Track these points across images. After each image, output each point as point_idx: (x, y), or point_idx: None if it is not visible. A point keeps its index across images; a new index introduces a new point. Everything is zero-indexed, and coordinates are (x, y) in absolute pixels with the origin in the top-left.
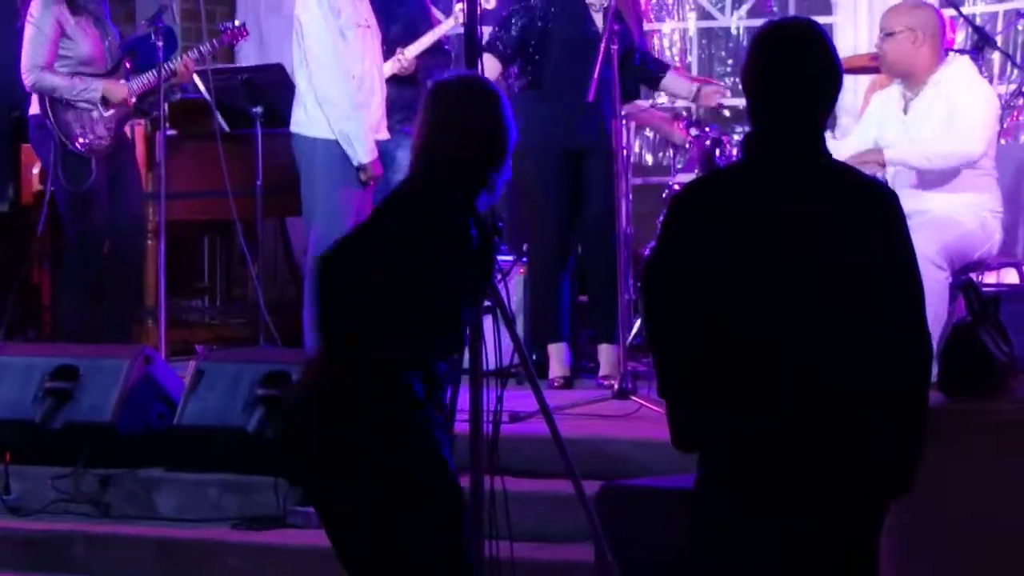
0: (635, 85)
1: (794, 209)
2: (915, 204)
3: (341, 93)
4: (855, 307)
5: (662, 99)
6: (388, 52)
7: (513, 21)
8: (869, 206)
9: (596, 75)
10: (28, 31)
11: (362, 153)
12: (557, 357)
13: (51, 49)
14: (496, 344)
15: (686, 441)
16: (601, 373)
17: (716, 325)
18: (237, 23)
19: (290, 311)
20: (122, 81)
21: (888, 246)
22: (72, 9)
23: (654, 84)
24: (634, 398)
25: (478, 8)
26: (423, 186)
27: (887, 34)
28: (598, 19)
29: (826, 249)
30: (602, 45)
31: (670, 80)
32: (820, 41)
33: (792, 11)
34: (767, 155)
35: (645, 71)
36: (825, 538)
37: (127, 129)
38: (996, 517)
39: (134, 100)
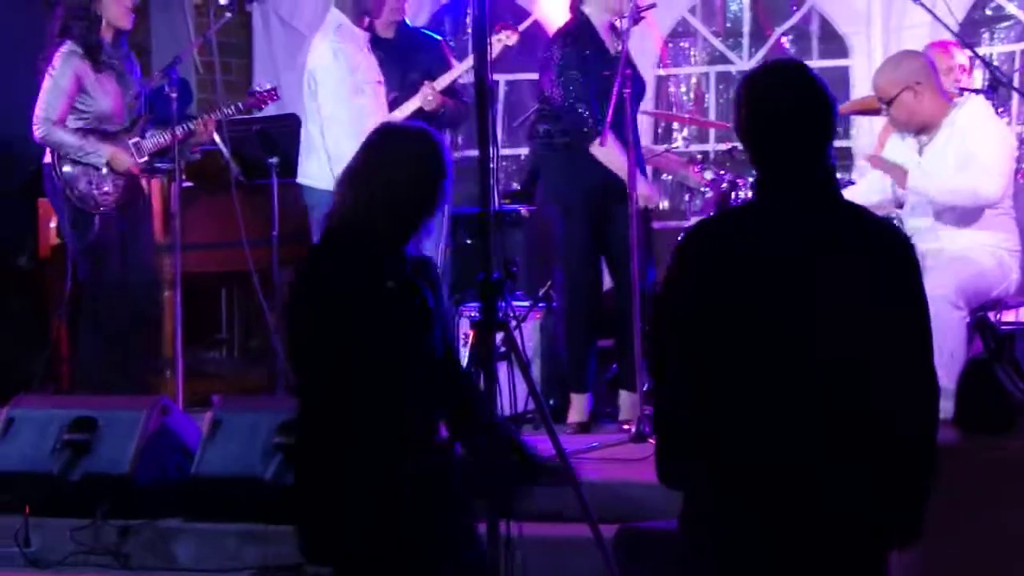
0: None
1: (808, 253)
2: (932, 243)
3: (352, 151)
4: (865, 350)
5: (677, 143)
6: (406, 98)
7: (572, 91)
8: (885, 250)
9: (609, 120)
10: (46, 82)
11: None
12: (578, 406)
13: (65, 103)
14: (511, 390)
15: (674, 476)
16: (621, 417)
17: (720, 367)
18: (268, 86)
19: None
20: (134, 140)
21: (901, 290)
22: (93, 65)
23: None
24: (651, 441)
25: (490, 51)
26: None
27: (887, 102)
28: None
29: (840, 293)
30: (615, 90)
31: None
32: (810, 78)
33: (811, 54)
34: (781, 197)
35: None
36: None
37: (144, 181)
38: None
39: (143, 163)
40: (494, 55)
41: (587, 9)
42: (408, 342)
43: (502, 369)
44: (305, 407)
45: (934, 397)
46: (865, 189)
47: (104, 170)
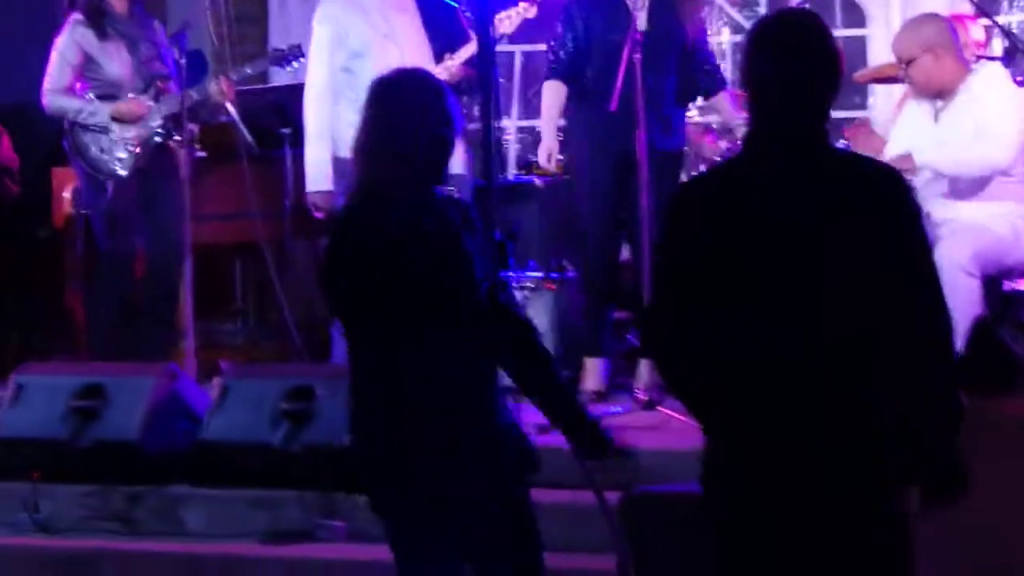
0: (693, 90)
1: (816, 219)
2: (946, 212)
3: (308, 119)
4: (873, 297)
5: (692, 113)
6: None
7: (566, 38)
8: (881, 192)
9: (619, 84)
10: (52, 55)
11: (310, 181)
12: (593, 371)
13: (70, 72)
14: None
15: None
16: (636, 385)
17: (727, 323)
18: (294, 44)
19: (323, 332)
20: (148, 103)
21: (900, 231)
22: (99, 32)
23: (706, 96)
24: (660, 409)
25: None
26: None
27: (907, 63)
28: (641, 19)
29: (848, 256)
30: (624, 53)
31: (719, 101)
32: (814, 28)
33: (831, 24)
34: (773, 150)
35: (700, 81)
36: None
37: (173, 148)
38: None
39: (156, 126)
40: (513, 27)
41: None
42: (458, 287)
43: None
44: (360, 365)
45: (950, 334)
46: (888, 151)
47: (114, 134)
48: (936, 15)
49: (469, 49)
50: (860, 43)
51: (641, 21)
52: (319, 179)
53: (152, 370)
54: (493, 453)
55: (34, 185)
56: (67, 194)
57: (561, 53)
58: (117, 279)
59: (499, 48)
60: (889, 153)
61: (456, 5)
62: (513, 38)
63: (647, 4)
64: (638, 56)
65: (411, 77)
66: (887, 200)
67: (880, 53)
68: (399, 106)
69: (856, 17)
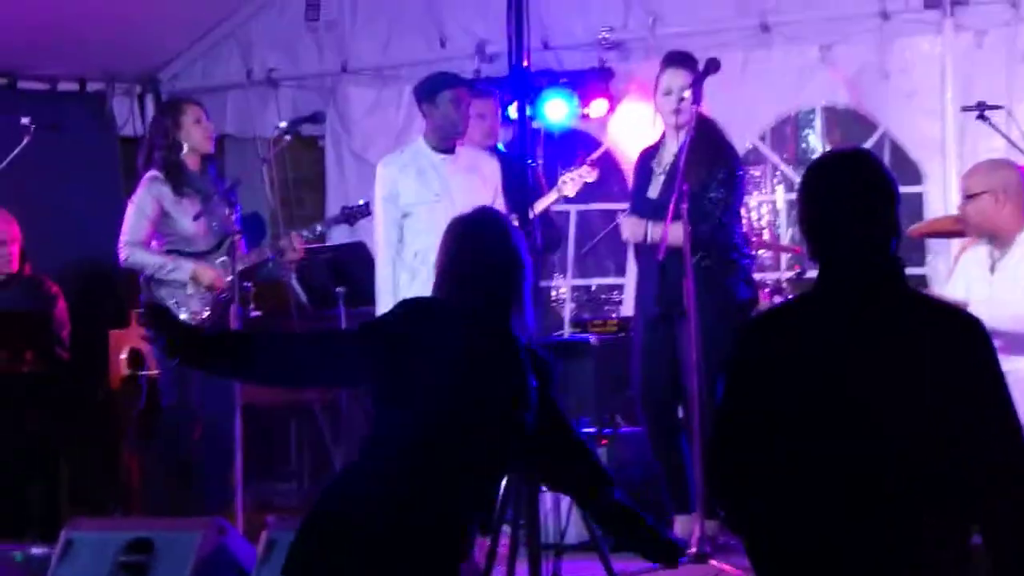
0: None
1: (879, 341)
2: (1006, 365)
3: (377, 274)
4: (948, 441)
5: None
6: None
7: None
8: (957, 334)
9: (665, 235)
10: (129, 208)
11: None
12: (685, 530)
13: (148, 227)
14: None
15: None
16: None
17: (795, 467)
18: (361, 202)
19: None
20: (220, 260)
21: (975, 367)
22: (175, 188)
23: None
24: (713, 563)
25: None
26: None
27: (968, 196)
28: (656, 183)
29: (914, 382)
30: (671, 205)
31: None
32: (869, 162)
33: None
34: (844, 286)
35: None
36: None
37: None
38: None
39: (229, 281)
40: (575, 190)
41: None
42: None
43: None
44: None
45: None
46: None
47: (190, 289)
48: (1012, 163)
49: (542, 203)
50: (916, 200)
51: (654, 189)
52: None
53: (200, 524)
54: None
55: (91, 347)
56: (124, 356)
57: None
58: (179, 436)
59: (555, 208)
60: None
61: (533, 163)
62: (568, 198)
63: (665, 172)
64: (685, 206)
65: (481, 216)
66: (963, 343)
67: (936, 211)
68: (468, 242)
69: (911, 173)
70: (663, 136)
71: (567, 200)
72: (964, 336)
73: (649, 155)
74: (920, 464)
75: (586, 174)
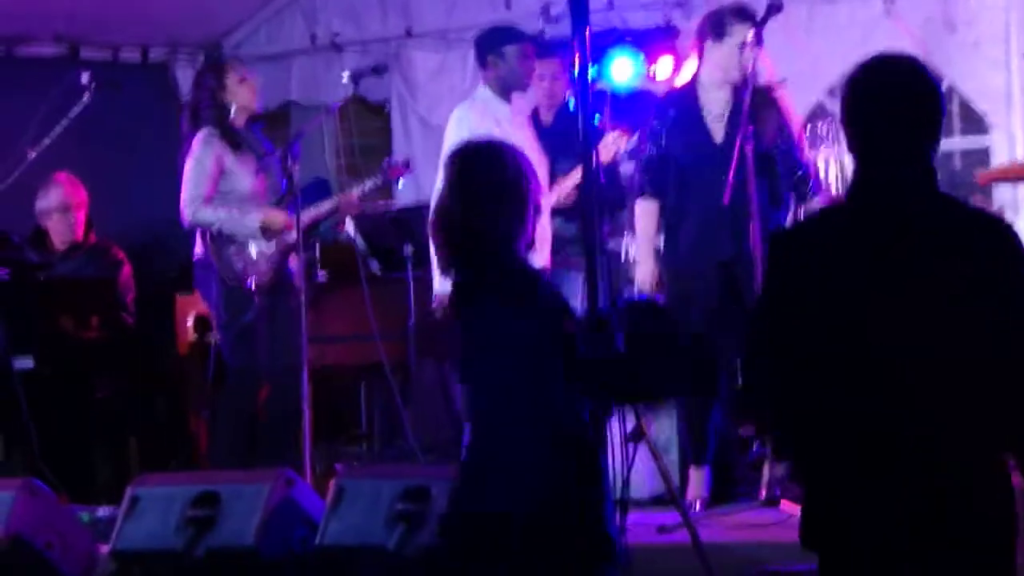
0: (785, 192)
1: (913, 248)
2: None
3: None
4: (982, 348)
5: None
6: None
7: (651, 157)
8: (991, 238)
9: (731, 178)
10: (188, 166)
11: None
12: (697, 480)
13: (210, 183)
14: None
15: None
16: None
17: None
18: (401, 159)
19: (450, 457)
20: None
21: (1013, 277)
22: (232, 146)
23: (800, 201)
24: (784, 504)
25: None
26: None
27: None
28: (717, 129)
29: (950, 285)
30: (736, 148)
31: (815, 205)
32: (917, 69)
33: (951, 132)
34: (880, 193)
35: (790, 186)
36: None
37: (293, 265)
38: None
39: (293, 236)
40: (609, 156)
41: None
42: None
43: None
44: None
45: None
46: None
47: (254, 250)
48: None
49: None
50: (983, 152)
51: (717, 134)
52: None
53: (267, 476)
54: None
55: (158, 312)
56: (190, 322)
57: (650, 176)
58: (245, 396)
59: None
60: None
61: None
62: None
63: (726, 117)
64: (749, 147)
65: (486, 148)
66: (997, 246)
67: (1002, 161)
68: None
69: (977, 125)
70: (696, 86)
71: (630, 156)
72: (998, 239)
73: (682, 102)
74: (954, 380)
75: (612, 142)
